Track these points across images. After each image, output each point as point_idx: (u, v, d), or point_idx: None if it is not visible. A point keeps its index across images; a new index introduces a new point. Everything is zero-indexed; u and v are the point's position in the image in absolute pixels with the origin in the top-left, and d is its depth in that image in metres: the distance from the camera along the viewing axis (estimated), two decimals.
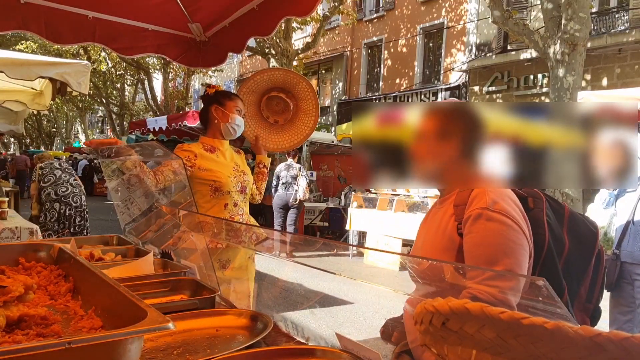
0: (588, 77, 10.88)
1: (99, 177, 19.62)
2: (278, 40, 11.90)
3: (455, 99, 12.62)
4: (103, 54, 18.43)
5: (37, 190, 5.47)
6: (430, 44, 15.88)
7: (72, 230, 5.46)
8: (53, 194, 5.42)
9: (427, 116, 1.25)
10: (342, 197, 9.58)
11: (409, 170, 1.26)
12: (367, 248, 5.53)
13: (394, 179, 1.31)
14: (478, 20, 13.54)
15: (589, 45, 7.42)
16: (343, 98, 18.42)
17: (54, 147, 35.37)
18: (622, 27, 10.50)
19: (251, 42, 3.93)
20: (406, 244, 7.04)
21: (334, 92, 19.09)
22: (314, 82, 20.63)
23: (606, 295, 2.35)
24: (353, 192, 8.76)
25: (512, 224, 1.21)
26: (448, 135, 1.23)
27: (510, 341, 0.57)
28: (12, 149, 34.88)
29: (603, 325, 2.38)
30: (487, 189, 1.26)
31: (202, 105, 2.48)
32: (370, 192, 8.41)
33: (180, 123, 8.57)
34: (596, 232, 1.42)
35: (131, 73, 21.75)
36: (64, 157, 21.53)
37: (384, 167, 1.20)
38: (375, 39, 17.56)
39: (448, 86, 14.49)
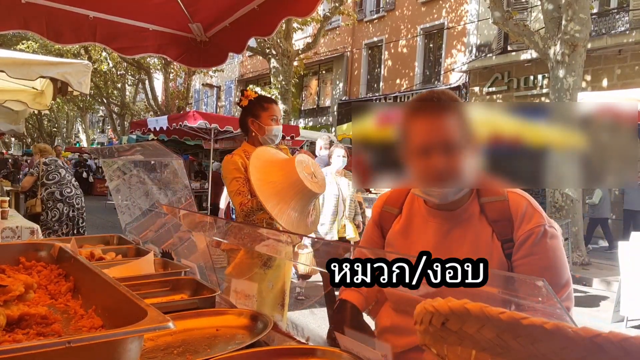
0: (588, 77, 10.87)
1: (95, 176, 19.65)
2: (279, 41, 11.90)
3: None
4: (104, 54, 18.43)
5: (39, 187, 5.31)
6: (431, 45, 15.87)
7: (74, 231, 5.40)
8: (58, 193, 5.31)
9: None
10: None
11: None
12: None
13: (394, 179, 1.30)
14: (478, 21, 13.53)
15: (589, 46, 7.41)
16: (343, 98, 18.41)
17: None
18: (622, 28, 10.49)
19: (252, 42, 3.94)
20: None
21: (334, 93, 19.08)
22: (314, 82, 20.61)
23: None
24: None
25: (560, 235, 1.19)
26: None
27: (510, 341, 0.57)
28: (12, 149, 34.86)
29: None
30: (527, 200, 1.19)
31: (241, 113, 2.49)
32: (370, 192, 8.40)
33: (180, 123, 8.57)
34: None
35: (132, 73, 21.77)
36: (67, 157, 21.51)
37: (384, 167, 1.19)
38: (375, 39, 17.55)
39: (448, 87, 14.47)
